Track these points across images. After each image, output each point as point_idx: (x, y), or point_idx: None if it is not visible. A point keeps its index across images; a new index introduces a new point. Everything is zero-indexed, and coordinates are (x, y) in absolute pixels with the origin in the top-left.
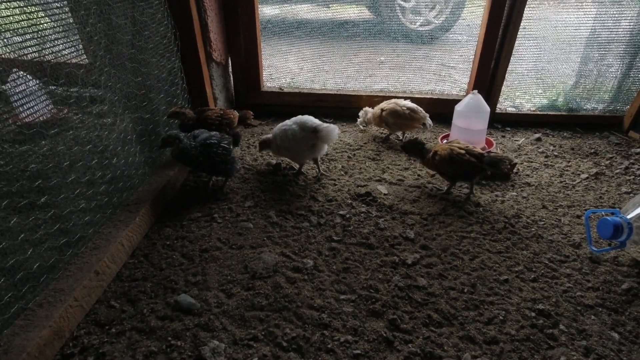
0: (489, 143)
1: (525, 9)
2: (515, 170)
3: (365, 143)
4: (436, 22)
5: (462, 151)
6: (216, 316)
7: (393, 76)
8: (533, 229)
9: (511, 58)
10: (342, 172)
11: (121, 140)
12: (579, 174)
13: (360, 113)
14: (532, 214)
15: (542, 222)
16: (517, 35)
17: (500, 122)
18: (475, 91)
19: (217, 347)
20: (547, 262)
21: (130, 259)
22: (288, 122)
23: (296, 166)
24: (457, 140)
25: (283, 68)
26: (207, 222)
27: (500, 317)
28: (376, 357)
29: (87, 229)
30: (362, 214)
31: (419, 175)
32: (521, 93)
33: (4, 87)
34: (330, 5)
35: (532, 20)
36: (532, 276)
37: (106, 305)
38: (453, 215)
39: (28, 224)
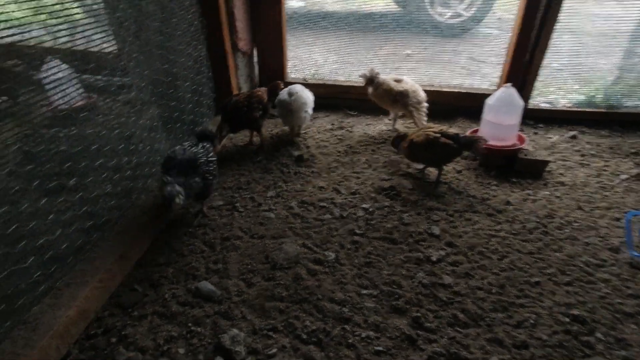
0: (520, 139)
1: (564, 1)
2: (548, 169)
3: (389, 137)
4: (466, 14)
5: (438, 134)
6: (236, 305)
7: (420, 69)
8: (567, 230)
9: (547, 51)
10: (366, 166)
11: (147, 127)
12: (618, 175)
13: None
14: (566, 214)
15: (577, 224)
16: (555, 28)
17: (533, 118)
18: (509, 84)
19: (236, 335)
20: (582, 266)
21: (153, 244)
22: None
23: None
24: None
25: (307, 59)
26: (229, 211)
27: (531, 321)
28: (399, 355)
29: (113, 213)
30: (385, 208)
31: (444, 169)
32: (555, 88)
33: (37, 74)
34: None
35: (571, 12)
36: (566, 280)
37: (129, 289)
38: (480, 213)
39: (57, 205)
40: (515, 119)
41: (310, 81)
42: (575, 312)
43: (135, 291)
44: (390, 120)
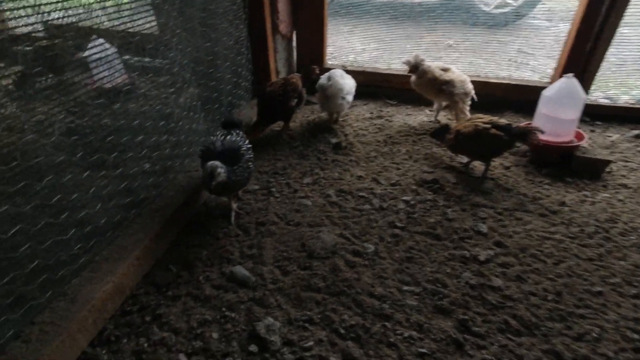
0: (578, 136)
1: None
2: (607, 169)
3: (431, 128)
4: (514, 3)
5: (488, 125)
6: (271, 292)
7: (463, 60)
8: (632, 237)
9: (613, 41)
10: (407, 157)
11: (186, 106)
12: None
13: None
14: (630, 219)
15: None
16: (624, 14)
17: (590, 115)
18: (571, 75)
19: (271, 324)
20: None
21: (188, 226)
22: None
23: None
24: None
25: (346, 47)
26: (265, 196)
27: (594, 334)
28: (444, 359)
29: (150, 191)
30: (428, 202)
31: (492, 166)
32: (616, 83)
33: (83, 54)
34: None
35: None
36: (633, 292)
37: (164, 269)
38: (532, 213)
39: (98, 179)
40: (575, 113)
41: (349, 68)
42: None
43: (170, 271)
44: (432, 111)
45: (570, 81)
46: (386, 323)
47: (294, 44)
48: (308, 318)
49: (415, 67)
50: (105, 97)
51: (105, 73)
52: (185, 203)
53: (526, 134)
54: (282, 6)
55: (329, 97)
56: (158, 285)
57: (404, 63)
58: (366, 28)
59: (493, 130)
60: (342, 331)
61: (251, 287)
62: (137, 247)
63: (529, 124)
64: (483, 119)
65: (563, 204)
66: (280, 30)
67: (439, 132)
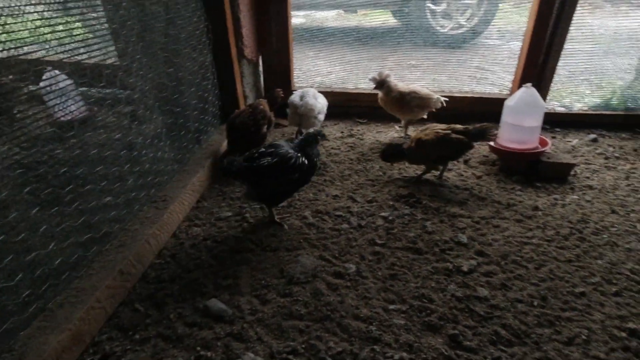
0: (543, 143)
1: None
2: (572, 172)
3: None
4: (468, 25)
5: (448, 131)
6: (250, 325)
7: (427, 78)
8: (605, 236)
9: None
10: (381, 173)
11: (150, 134)
12: None
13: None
14: (600, 219)
15: (615, 229)
16: (569, 29)
17: (549, 122)
18: (529, 84)
19: None
20: (628, 274)
21: (157, 259)
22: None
23: None
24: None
25: (313, 70)
26: (238, 222)
27: (583, 337)
28: None
29: (112, 225)
30: (406, 216)
31: (463, 175)
32: (568, 93)
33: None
34: (357, 11)
35: (581, 25)
36: (614, 289)
37: (130, 309)
38: (509, 219)
39: (51, 215)
40: (537, 120)
41: (318, 89)
42: (630, 325)
43: (137, 311)
44: (401, 127)
45: (529, 90)
46: (374, 346)
47: (261, 68)
48: (292, 349)
49: (381, 83)
50: (58, 128)
51: (61, 105)
52: (152, 236)
53: (484, 132)
54: (247, 31)
55: (300, 115)
56: (124, 329)
57: (370, 80)
58: (331, 51)
59: (454, 135)
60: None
61: (228, 320)
62: (98, 288)
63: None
64: (440, 127)
65: (536, 208)
66: (246, 55)
67: (391, 152)
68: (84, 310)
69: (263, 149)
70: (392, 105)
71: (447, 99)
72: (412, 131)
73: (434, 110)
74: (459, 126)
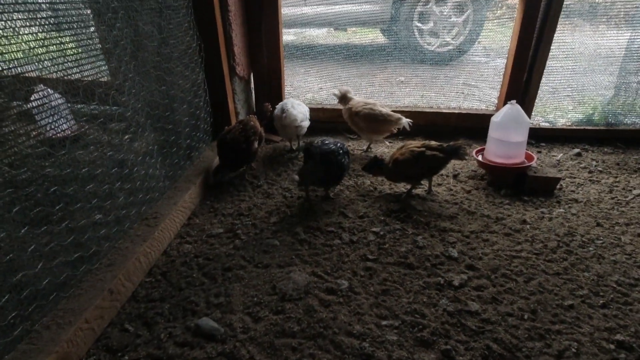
0: (529, 157)
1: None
2: (558, 186)
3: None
4: (454, 42)
5: (423, 149)
6: (242, 343)
7: (416, 94)
8: (591, 249)
9: (544, 70)
10: (371, 188)
11: (142, 151)
12: (631, 190)
13: (337, 92)
14: (586, 232)
15: (600, 241)
16: (550, 47)
17: (534, 137)
18: (514, 101)
19: None
20: (615, 286)
21: (147, 278)
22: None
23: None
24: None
25: (304, 86)
26: (230, 239)
27: (573, 350)
28: None
29: (102, 243)
30: (397, 231)
31: (452, 190)
32: (552, 108)
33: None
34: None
35: (562, 44)
36: (601, 301)
37: (119, 329)
38: (497, 233)
39: (39, 235)
40: (522, 135)
41: (308, 106)
42: (618, 337)
43: (127, 331)
44: (391, 142)
45: (514, 107)
46: None
47: (252, 85)
48: None
49: (343, 98)
50: (48, 146)
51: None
52: (142, 254)
53: (458, 150)
54: (239, 49)
55: (285, 126)
56: (113, 350)
57: (333, 94)
58: (321, 68)
59: (429, 152)
60: None
61: (220, 340)
62: (87, 308)
63: (481, 150)
64: (415, 144)
65: (524, 222)
66: (237, 73)
67: (372, 166)
68: (71, 332)
69: (319, 141)
70: (349, 120)
71: (411, 122)
72: (389, 148)
73: (393, 131)
74: (433, 143)
